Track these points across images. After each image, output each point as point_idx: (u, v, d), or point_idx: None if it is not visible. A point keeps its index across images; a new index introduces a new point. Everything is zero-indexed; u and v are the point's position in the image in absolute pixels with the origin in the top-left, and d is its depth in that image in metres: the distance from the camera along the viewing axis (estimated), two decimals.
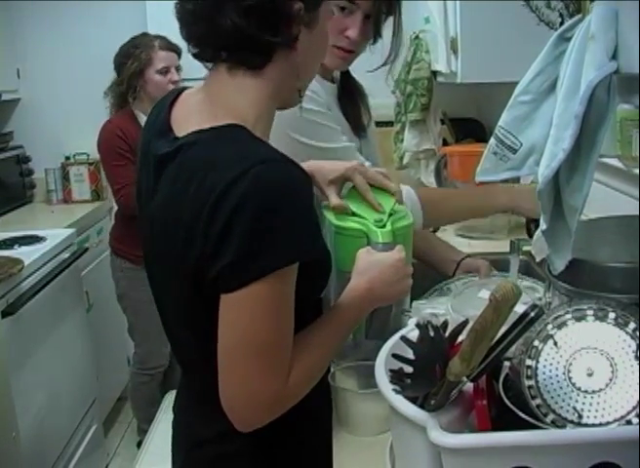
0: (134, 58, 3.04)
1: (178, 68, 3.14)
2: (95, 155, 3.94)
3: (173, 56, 3.11)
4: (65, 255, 2.99)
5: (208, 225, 1.00)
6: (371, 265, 1.23)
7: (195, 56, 1.15)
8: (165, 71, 3.08)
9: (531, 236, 2.21)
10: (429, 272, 2.06)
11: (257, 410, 1.06)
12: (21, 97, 4.03)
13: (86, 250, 3.20)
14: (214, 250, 1.01)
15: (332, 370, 1.44)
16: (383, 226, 1.29)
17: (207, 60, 1.14)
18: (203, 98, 1.15)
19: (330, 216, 1.34)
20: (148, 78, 3.07)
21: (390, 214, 1.31)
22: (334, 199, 1.33)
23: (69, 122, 3.99)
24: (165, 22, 3.95)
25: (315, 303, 1.20)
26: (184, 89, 1.22)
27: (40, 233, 3.03)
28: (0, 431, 2.30)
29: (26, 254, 2.69)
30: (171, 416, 1.32)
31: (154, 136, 1.16)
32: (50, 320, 2.76)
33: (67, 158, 4.04)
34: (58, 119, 4.00)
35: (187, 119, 1.12)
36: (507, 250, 2.22)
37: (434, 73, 2.72)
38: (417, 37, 2.67)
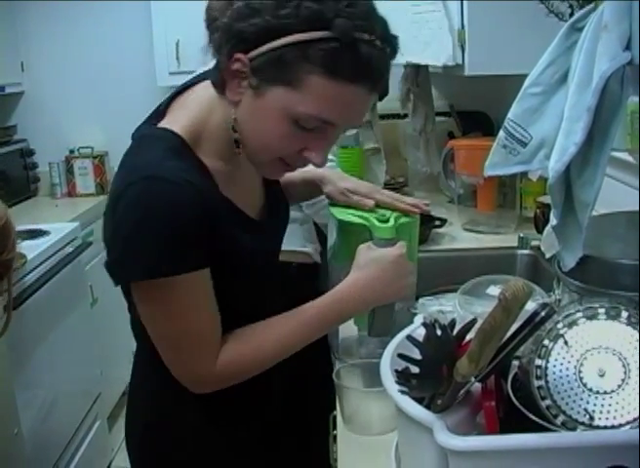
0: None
1: None
2: (99, 148, 3.94)
3: None
4: (69, 249, 2.98)
5: (105, 224, 1.15)
6: (370, 262, 1.23)
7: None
8: None
9: (539, 231, 2.19)
10: (438, 269, 2.05)
11: (193, 386, 1.20)
12: (25, 91, 4.02)
13: (90, 243, 3.19)
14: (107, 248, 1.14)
15: (336, 367, 1.42)
16: (386, 221, 1.27)
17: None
18: (191, 95, 1.21)
19: (335, 212, 1.33)
20: None
21: (394, 212, 1.30)
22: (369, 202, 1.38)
23: (73, 115, 3.98)
24: (170, 20, 3.97)
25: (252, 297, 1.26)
26: (201, 77, 1.24)
27: (44, 227, 3.01)
28: (2, 427, 2.29)
29: (30, 248, 2.67)
30: None
31: (149, 116, 1.24)
32: (53, 314, 2.75)
33: (71, 151, 4.02)
34: (62, 112, 3.99)
35: (172, 111, 1.21)
36: (515, 244, 2.21)
37: (419, 67, 2.71)
38: None
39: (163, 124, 1.18)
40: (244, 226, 1.23)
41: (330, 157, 1.86)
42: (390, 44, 1.10)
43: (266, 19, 1.04)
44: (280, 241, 1.42)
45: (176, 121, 1.18)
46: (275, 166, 1.18)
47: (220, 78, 1.12)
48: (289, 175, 1.39)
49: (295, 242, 1.93)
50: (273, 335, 1.21)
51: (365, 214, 1.32)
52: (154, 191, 1.07)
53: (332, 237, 1.40)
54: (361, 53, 1.04)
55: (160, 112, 1.22)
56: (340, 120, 1.11)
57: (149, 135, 1.18)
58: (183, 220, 1.08)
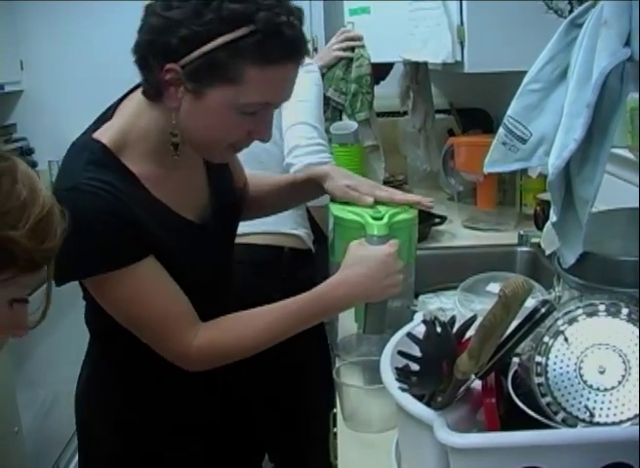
0: None
1: None
2: None
3: None
4: None
5: None
6: (359, 259, 1.24)
7: None
8: None
9: (539, 228, 2.19)
10: (438, 266, 2.05)
11: (177, 363, 1.25)
12: (25, 89, 4.00)
13: None
14: None
15: (337, 365, 1.42)
16: (380, 219, 1.27)
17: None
18: (128, 102, 1.27)
19: (333, 208, 1.33)
20: None
21: (390, 210, 1.30)
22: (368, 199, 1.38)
23: (73, 113, 3.94)
24: None
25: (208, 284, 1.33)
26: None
27: None
28: (3, 425, 2.29)
29: None
30: None
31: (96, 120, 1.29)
32: (52, 313, 2.73)
33: None
34: (61, 111, 3.98)
35: (115, 116, 1.25)
36: (515, 241, 2.21)
37: (418, 64, 2.70)
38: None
39: (98, 132, 1.24)
40: (179, 228, 1.28)
41: (327, 155, 1.85)
42: (299, 15, 1.17)
43: (192, 28, 1.09)
44: (230, 241, 1.46)
45: (107, 129, 1.23)
46: (226, 152, 1.26)
47: (154, 89, 1.18)
48: (293, 175, 1.41)
49: (285, 224, 1.91)
50: (255, 326, 1.25)
51: (361, 211, 1.32)
52: (74, 200, 1.10)
53: (331, 234, 1.40)
54: (285, 35, 1.12)
55: (107, 117, 1.27)
56: (279, 98, 1.21)
57: (78, 144, 1.25)
58: (105, 224, 1.16)
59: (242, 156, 1.42)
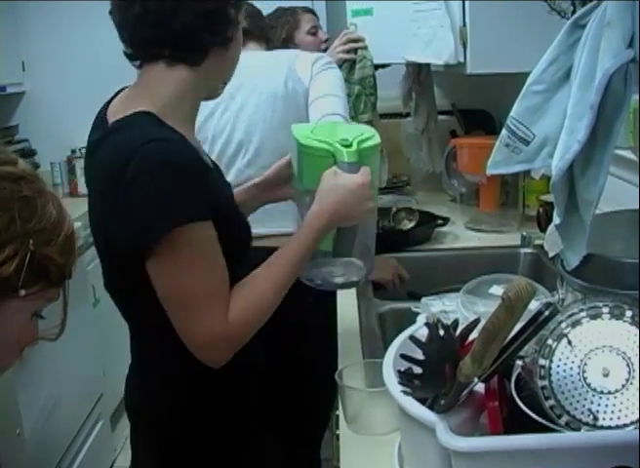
0: (279, 25, 2.77)
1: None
2: None
3: (314, 17, 2.88)
4: None
5: (115, 198, 1.19)
6: (335, 187, 1.31)
7: (130, 56, 1.32)
8: (314, 32, 2.81)
9: (542, 229, 2.18)
10: (441, 268, 2.04)
11: (212, 350, 1.24)
12: (27, 91, 4.01)
13: (92, 244, 3.17)
14: (121, 221, 1.20)
15: (339, 368, 1.41)
16: (349, 146, 1.31)
17: (147, 60, 1.29)
18: (134, 91, 1.32)
19: (298, 136, 1.35)
20: (300, 41, 2.78)
21: (357, 137, 1.34)
22: None
23: (75, 115, 3.96)
24: None
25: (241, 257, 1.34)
26: (124, 89, 1.37)
27: None
28: (4, 428, 2.29)
29: None
30: None
31: (92, 128, 1.33)
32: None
33: (73, 151, 4.02)
34: (63, 112, 3.98)
35: (119, 111, 1.28)
36: (518, 243, 2.21)
37: (420, 66, 2.70)
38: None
39: (131, 112, 1.27)
40: (229, 194, 1.41)
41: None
42: None
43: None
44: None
45: (140, 105, 1.27)
46: None
47: (200, 49, 1.28)
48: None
49: (286, 224, 1.89)
50: (268, 282, 1.28)
51: (328, 140, 1.33)
52: (158, 150, 1.18)
53: (294, 162, 1.42)
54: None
55: (102, 121, 1.31)
56: None
57: (125, 120, 1.26)
58: (190, 171, 1.21)
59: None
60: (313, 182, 1.33)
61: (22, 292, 0.90)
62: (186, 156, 1.22)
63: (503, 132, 1.22)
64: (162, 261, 1.20)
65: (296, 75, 2.04)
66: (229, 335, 1.24)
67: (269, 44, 2.48)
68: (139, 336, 1.40)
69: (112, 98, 1.35)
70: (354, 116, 2.55)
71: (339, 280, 1.46)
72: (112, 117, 1.28)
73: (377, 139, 1.37)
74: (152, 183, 1.17)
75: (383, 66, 2.74)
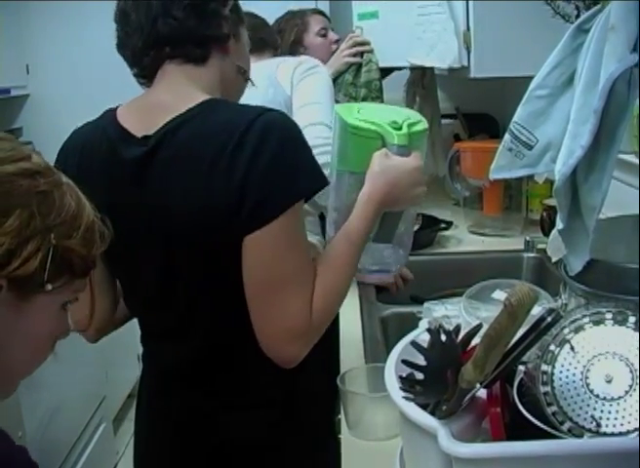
0: (288, 28, 2.72)
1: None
2: None
3: (324, 18, 2.81)
4: None
5: (231, 171, 1.12)
6: (388, 168, 1.27)
7: (137, 74, 1.33)
8: (324, 34, 2.74)
9: (546, 233, 2.18)
10: (444, 272, 2.04)
11: (295, 343, 1.19)
12: (31, 93, 4.01)
13: None
14: (238, 198, 1.12)
15: (341, 372, 1.41)
16: (399, 129, 1.28)
17: (152, 63, 1.28)
18: (157, 97, 1.27)
19: (345, 117, 1.32)
20: (309, 43, 2.72)
21: (406, 120, 1.31)
22: None
23: (79, 118, 3.91)
24: None
25: None
26: (117, 108, 1.33)
27: None
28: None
29: None
30: None
31: (114, 147, 1.25)
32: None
33: None
34: (67, 115, 3.96)
35: (148, 120, 1.22)
36: (522, 247, 2.20)
37: (424, 69, 2.71)
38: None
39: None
40: None
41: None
42: None
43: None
44: None
45: (186, 103, 1.22)
46: None
47: (199, 43, 1.26)
48: None
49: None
50: (336, 258, 1.25)
51: (378, 121, 1.31)
52: (289, 120, 1.21)
53: (336, 141, 1.39)
54: None
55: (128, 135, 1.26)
56: None
57: (195, 109, 1.20)
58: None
59: None
60: (358, 164, 1.30)
61: (49, 287, 0.90)
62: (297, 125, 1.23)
63: (506, 136, 1.21)
64: (273, 236, 1.14)
65: (277, 82, 2.04)
66: (316, 324, 1.20)
67: (277, 51, 2.48)
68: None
69: (114, 117, 1.30)
70: None
71: (374, 267, 1.44)
72: (139, 130, 1.22)
73: (425, 124, 1.34)
74: (297, 151, 1.17)
75: (387, 73, 2.74)
